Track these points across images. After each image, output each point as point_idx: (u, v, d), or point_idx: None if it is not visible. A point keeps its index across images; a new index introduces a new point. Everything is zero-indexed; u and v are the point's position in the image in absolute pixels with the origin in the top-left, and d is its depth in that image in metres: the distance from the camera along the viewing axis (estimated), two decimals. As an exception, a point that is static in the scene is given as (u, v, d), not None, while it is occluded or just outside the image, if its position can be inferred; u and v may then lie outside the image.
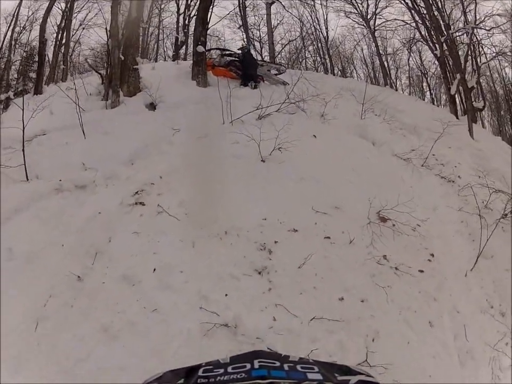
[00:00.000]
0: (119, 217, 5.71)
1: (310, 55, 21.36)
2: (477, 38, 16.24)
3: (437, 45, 14.92)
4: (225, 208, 5.73)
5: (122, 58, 9.94)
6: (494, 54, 17.37)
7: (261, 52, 20.25)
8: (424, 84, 21.87)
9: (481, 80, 17.11)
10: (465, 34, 15.73)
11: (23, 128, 6.82)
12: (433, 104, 18.91)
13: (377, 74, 20.91)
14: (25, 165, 6.69)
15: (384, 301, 4.92)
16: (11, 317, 4.45)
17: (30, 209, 6.04)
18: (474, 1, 15.68)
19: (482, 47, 17.13)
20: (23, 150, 6.78)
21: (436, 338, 4.91)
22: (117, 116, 9.02)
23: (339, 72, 20.56)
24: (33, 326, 4.47)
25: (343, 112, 9.63)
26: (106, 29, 12.33)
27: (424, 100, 19.59)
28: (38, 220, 5.85)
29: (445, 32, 14.42)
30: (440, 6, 15.03)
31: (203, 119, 8.42)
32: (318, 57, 20.81)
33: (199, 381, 0.81)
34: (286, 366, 0.84)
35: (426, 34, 16.05)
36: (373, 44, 19.78)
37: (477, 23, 15.71)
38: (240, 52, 12.58)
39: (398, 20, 18.43)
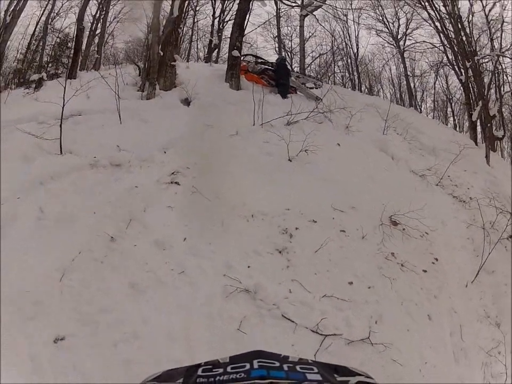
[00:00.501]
0: (155, 192, 6.30)
1: (339, 70, 21.99)
2: (501, 65, 16.75)
3: (462, 70, 15.41)
4: (253, 196, 6.38)
5: (161, 53, 10.66)
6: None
7: (291, 63, 20.97)
8: (449, 109, 22.40)
9: (503, 109, 17.55)
10: (490, 62, 16.25)
11: (63, 104, 7.26)
12: (456, 129, 19.39)
13: (403, 95, 21.47)
14: (60, 138, 7.09)
15: (389, 290, 5.48)
16: (36, 269, 4.77)
17: (64, 178, 6.48)
18: (500, 29, 16.22)
19: (506, 75, 17.60)
20: (60, 125, 7.20)
21: (433, 331, 5.41)
22: (153, 106, 9.66)
23: (366, 89, 21.15)
24: (58, 276, 4.76)
25: (367, 126, 10.31)
26: (147, 23, 13.16)
27: (447, 124, 20.07)
28: (72, 188, 6.34)
29: (470, 58, 14.87)
30: (468, 31, 15.49)
31: (235, 119, 9.07)
32: (346, 73, 21.43)
33: (198, 381, 0.83)
34: (285, 367, 0.86)
35: (453, 59, 16.55)
36: (401, 64, 20.37)
37: (502, 50, 16.21)
38: (275, 62, 13.01)
39: (427, 42, 19.01)
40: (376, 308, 5.20)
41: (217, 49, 19.21)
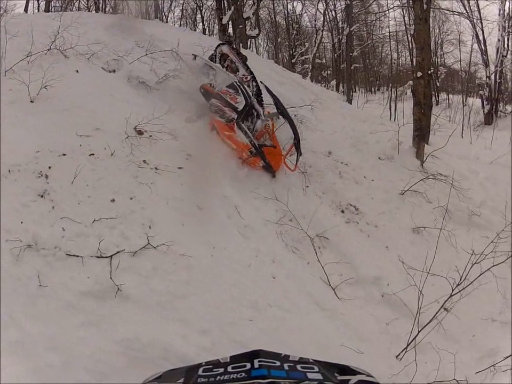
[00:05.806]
0: None
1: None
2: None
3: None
4: (3, 150, 6.19)
5: None
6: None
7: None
8: (198, 16, 23.43)
9: (261, 12, 18.95)
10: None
11: None
12: (205, 34, 20.44)
13: (149, 9, 21.71)
14: None
15: (150, 195, 6.08)
16: None
17: None
18: None
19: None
20: None
21: (208, 218, 6.09)
22: None
23: (111, 9, 20.87)
24: None
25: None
26: None
27: (195, 30, 21.01)
28: None
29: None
30: None
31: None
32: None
33: (199, 381, 0.86)
34: (286, 366, 0.89)
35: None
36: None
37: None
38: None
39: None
40: (145, 215, 5.78)
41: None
